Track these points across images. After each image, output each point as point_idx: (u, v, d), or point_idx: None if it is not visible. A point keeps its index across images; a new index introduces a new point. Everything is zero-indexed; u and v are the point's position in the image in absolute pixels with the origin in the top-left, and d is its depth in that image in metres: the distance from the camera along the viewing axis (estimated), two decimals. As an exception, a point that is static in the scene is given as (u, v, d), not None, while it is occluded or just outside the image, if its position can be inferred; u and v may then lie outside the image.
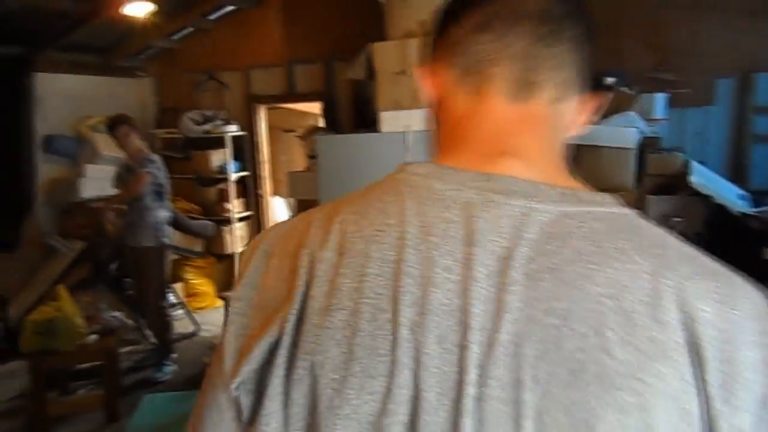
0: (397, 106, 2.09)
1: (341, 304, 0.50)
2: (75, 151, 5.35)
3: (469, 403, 0.46)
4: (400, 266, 0.50)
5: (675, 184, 3.79)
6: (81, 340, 3.29)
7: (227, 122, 5.57)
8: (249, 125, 5.70)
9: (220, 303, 5.68)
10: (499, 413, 0.45)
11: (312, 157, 4.87)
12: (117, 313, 3.66)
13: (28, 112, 4.97)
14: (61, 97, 5.33)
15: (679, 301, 0.46)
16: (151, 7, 4.61)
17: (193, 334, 4.81)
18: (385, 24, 2.31)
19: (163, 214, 4.04)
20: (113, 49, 5.60)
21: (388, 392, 0.48)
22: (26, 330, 3.17)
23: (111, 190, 5.31)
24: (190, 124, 5.48)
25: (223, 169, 5.58)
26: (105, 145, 5.30)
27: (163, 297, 4.04)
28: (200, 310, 5.31)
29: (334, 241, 0.53)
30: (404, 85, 2.07)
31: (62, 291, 3.31)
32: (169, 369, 4.05)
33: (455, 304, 0.48)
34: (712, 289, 0.48)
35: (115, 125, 4.01)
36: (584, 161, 3.90)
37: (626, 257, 0.48)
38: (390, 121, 2.09)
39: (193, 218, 5.32)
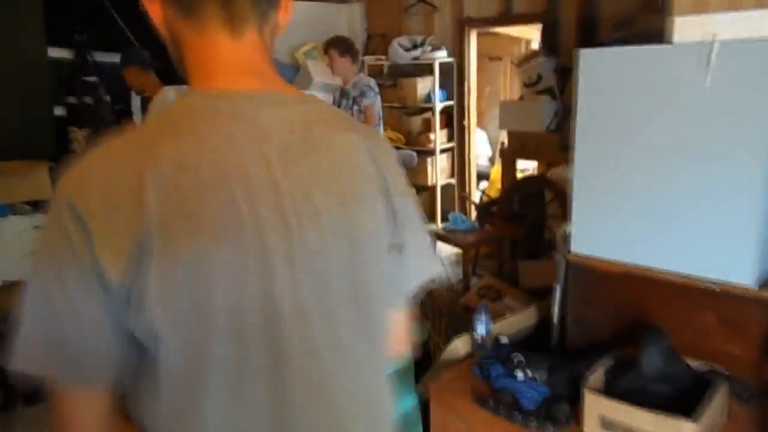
0: (700, 8, 1.63)
1: (197, 205, 0.67)
2: (291, 77, 5.50)
3: (295, 229, 0.73)
4: (228, 168, 0.70)
5: None
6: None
7: (436, 48, 5.32)
8: (458, 52, 5.39)
9: (418, 235, 5.64)
10: (312, 227, 0.74)
11: (529, 85, 4.45)
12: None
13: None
14: (279, 23, 5.46)
15: (371, 152, 0.81)
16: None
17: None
18: None
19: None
20: (327, -27, 5.57)
21: (247, 244, 0.70)
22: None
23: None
24: (399, 50, 5.32)
25: (428, 98, 5.39)
26: (318, 71, 5.37)
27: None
28: (400, 240, 5.29)
29: (170, 161, 0.67)
30: (711, -19, 1.60)
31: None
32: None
33: (268, 180, 0.72)
34: (381, 145, 0.86)
35: (325, 49, 3.96)
36: None
37: (345, 130, 0.81)
38: (688, 27, 1.64)
39: (398, 148, 5.25)
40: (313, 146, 0.75)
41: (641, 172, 1.84)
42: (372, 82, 3.88)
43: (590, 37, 4.51)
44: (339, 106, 4.00)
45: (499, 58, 6.59)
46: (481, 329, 2.20)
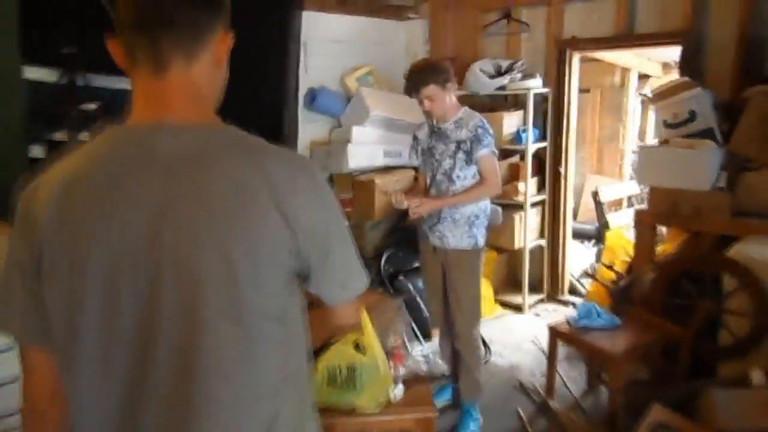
0: None
1: (76, 211, 0.87)
2: (340, 108, 4.36)
3: (167, 246, 0.85)
4: (112, 184, 0.86)
5: None
6: (386, 397, 2.16)
7: (527, 75, 4.17)
8: (554, 80, 4.23)
9: (500, 311, 4.41)
10: (184, 239, 0.85)
11: (675, 125, 3.27)
12: (422, 348, 2.53)
13: (293, 60, 4.03)
14: (325, 42, 4.34)
15: (265, 175, 0.87)
16: None
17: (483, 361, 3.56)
18: None
19: (484, 203, 2.77)
20: (387, -18, 4.47)
21: (118, 253, 0.86)
22: (318, 375, 2.11)
23: (380, 160, 4.25)
24: (480, 77, 4.17)
25: (518, 138, 4.22)
26: (376, 103, 4.23)
27: (477, 320, 2.80)
28: (477, 319, 4.04)
29: (62, 181, 0.88)
30: None
31: (366, 319, 2.19)
32: (478, 424, 2.83)
33: (146, 196, 0.85)
34: (283, 166, 0.90)
35: (415, 87, 2.64)
36: None
37: (235, 157, 0.88)
38: None
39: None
40: (196, 168, 0.86)
41: None
42: (485, 120, 2.68)
43: (757, 63, 3.35)
44: (431, 152, 2.77)
45: (587, 90, 5.42)
46: None
